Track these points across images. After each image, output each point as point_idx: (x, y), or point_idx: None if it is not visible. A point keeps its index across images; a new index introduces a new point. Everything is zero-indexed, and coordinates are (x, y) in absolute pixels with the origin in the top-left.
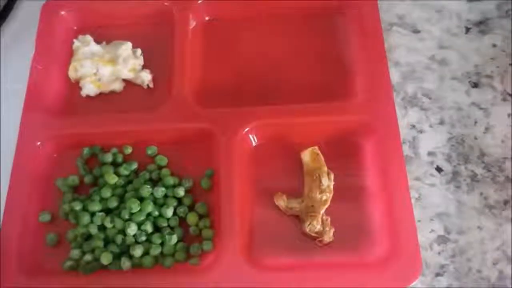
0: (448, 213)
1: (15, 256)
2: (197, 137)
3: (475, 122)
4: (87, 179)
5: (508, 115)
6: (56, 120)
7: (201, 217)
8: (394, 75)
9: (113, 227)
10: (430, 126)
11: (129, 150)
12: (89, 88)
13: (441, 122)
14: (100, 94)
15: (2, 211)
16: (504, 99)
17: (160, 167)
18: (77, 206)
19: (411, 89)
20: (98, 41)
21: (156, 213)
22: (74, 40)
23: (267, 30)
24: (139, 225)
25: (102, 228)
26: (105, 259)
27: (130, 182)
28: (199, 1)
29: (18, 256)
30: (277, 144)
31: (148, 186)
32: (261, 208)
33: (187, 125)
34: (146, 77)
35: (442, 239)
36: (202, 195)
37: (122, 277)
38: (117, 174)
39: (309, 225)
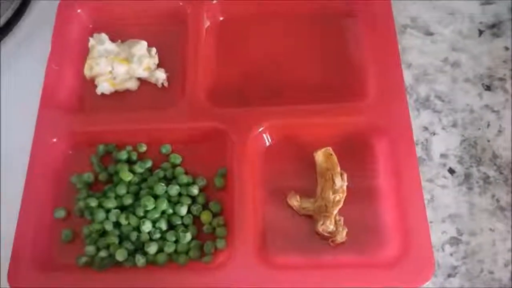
0: (460, 214)
1: (30, 252)
2: (211, 136)
3: (488, 125)
4: (102, 176)
5: None
6: (71, 118)
7: (214, 215)
8: (407, 77)
9: (128, 224)
10: (443, 128)
11: (143, 148)
12: (104, 86)
13: (454, 124)
14: (115, 92)
15: (19, 207)
16: None
17: (174, 166)
18: (93, 203)
19: (423, 91)
20: (113, 40)
21: (171, 211)
22: (90, 38)
23: (282, 31)
24: (154, 222)
25: (117, 225)
26: (120, 255)
27: (144, 180)
28: (214, 1)
29: (33, 251)
30: (290, 144)
31: (163, 184)
32: (274, 207)
33: (201, 124)
34: (160, 76)
35: (454, 241)
36: (216, 193)
37: (136, 274)
38: (131, 171)
39: (322, 225)
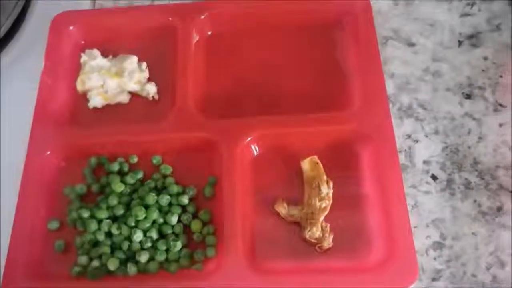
0: (443, 219)
1: (24, 262)
2: (200, 146)
3: (469, 132)
4: (94, 187)
5: (500, 125)
6: (64, 131)
7: (204, 224)
8: (390, 87)
9: (120, 234)
10: (425, 135)
11: (134, 159)
12: (96, 100)
13: (436, 132)
14: (107, 105)
15: (12, 219)
16: (495, 110)
17: (164, 176)
18: (85, 214)
19: (406, 100)
20: (104, 55)
21: (161, 220)
22: (82, 54)
23: (268, 44)
24: (145, 232)
25: (109, 235)
26: (112, 265)
27: (136, 190)
28: (202, 17)
29: (27, 262)
30: (277, 153)
31: (154, 194)
32: (263, 215)
33: (191, 135)
34: (151, 89)
35: (438, 245)
36: (206, 203)
37: (128, 282)
38: (123, 182)
39: (309, 231)
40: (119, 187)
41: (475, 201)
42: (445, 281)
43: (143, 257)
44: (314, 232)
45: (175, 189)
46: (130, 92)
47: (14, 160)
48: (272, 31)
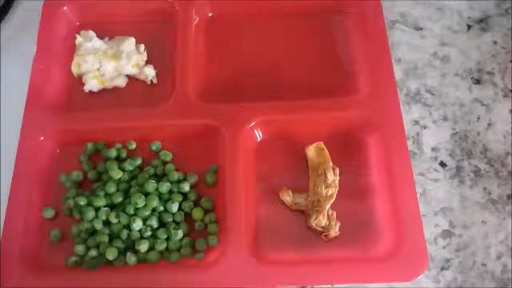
0: (452, 207)
1: (18, 253)
2: (201, 132)
3: (478, 118)
4: (91, 174)
5: (510, 111)
6: (58, 116)
7: (206, 212)
8: (397, 72)
9: (118, 222)
10: (434, 122)
11: (133, 145)
12: (92, 84)
13: (444, 118)
14: (103, 89)
15: (5, 207)
16: (505, 95)
17: (164, 163)
18: (82, 201)
19: (414, 85)
20: (100, 37)
21: (161, 208)
22: (77, 35)
23: (271, 27)
24: (145, 220)
25: (107, 223)
26: (110, 254)
27: (134, 177)
28: None
29: (21, 252)
30: (282, 139)
31: (153, 181)
32: (267, 203)
33: (192, 121)
34: (149, 72)
35: (447, 234)
36: (207, 190)
37: (128, 273)
38: (121, 169)
39: (315, 219)
40: (117, 173)
41: (484, 188)
42: (454, 270)
43: (143, 246)
44: (320, 220)
45: (175, 176)
46: (127, 76)
47: (6, 145)
48: (276, 15)
